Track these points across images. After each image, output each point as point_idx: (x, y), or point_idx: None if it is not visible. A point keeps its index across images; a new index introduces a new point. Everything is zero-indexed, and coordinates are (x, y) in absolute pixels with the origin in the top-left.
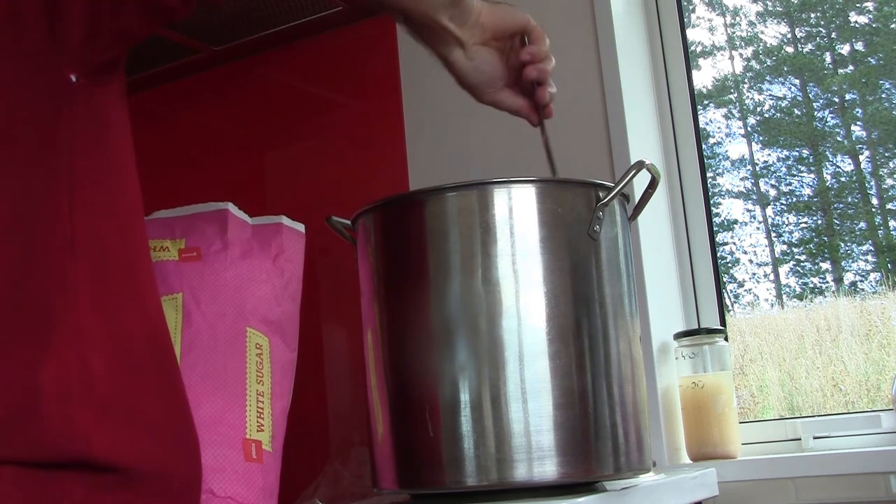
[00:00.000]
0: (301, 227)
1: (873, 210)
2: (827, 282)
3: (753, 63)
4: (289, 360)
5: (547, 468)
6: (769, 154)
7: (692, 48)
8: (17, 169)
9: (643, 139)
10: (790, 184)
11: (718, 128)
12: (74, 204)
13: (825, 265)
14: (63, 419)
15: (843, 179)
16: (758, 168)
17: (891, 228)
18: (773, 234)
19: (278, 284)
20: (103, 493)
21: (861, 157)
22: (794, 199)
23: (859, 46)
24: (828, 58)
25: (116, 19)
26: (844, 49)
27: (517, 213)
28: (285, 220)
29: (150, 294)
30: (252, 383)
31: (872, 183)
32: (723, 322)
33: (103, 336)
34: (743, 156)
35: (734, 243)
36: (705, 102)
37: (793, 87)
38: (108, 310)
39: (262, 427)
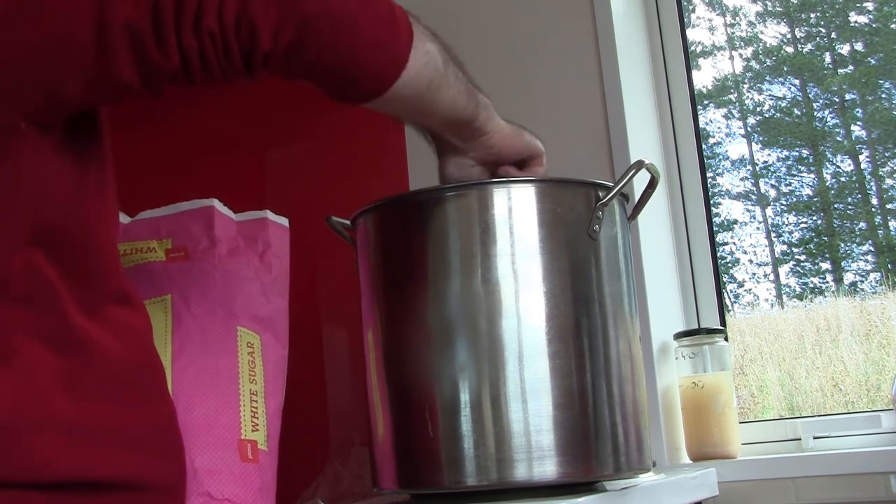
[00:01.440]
0: (285, 221)
1: (873, 210)
2: (827, 282)
3: (753, 63)
4: (281, 357)
5: (547, 468)
6: (769, 154)
7: (692, 48)
8: None
9: (643, 139)
10: (790, 184)
11: (718, 128)
12: (14, 247)
13: (825, 265)
14: (23, 449)
15: (843, 179)
16: (758, 168)
17: (891, 228)
18: (773, 234)
19: (267, 281)
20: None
21: (861, 157)
22: (794, 199)
23: (859, 46)
24: (828, 58)
25: (79, 95)
26: (844, 49)
27: (516, 213)
28: (269, 215)
29: (119, 313)
30: (245, 383)
31: (872, 183)
32: (723, 322)
33: (58, 364)
34: (743, 156)
35: (734, 243)
36: (705, 102)
37: (793, 87)
38: (64, 340)
39: (256, 427)
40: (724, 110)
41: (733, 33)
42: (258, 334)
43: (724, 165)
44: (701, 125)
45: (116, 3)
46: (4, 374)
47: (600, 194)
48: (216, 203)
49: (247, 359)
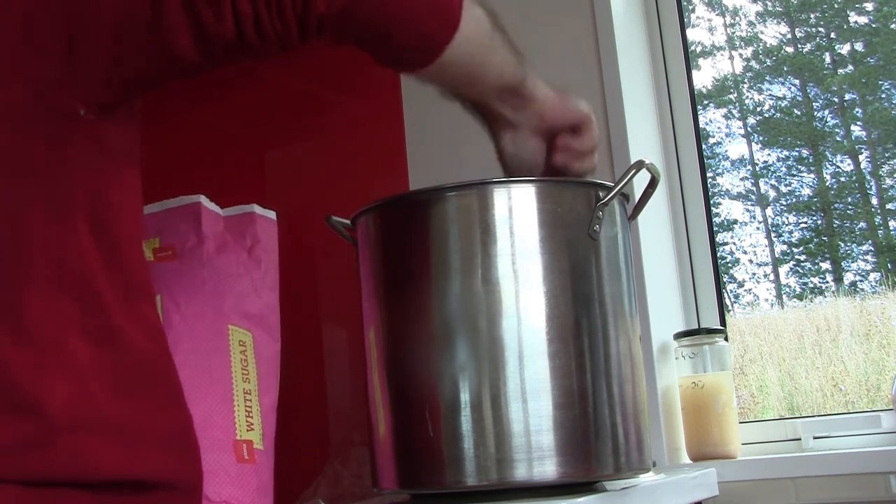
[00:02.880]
0: (272, 214)
1: (873, 210)
2: (827, 282)
3: (753, 63)
4: (273, 352)
5: (547, 468)
6: (769, 154)
7: (692, 48)
8: (12, 197)
9: (643, 139)
10: (790, 184)
11: (718, 128)
12: (67, 235)
13: (825, 265)
14: (74, 448)
15: (843, 179)
16: (758, 168)
17: (891, 228)
18: (773, 234)
19: (256, 276)
20: (111, 502)
21: (861, 157)
22: (794, 199)
23: (859, 47)
24: (828, 58)
25: (138, 69)
26: (844, 49)
27: (517, 212)
28: (257, 209)
29: (144, 315)
30: (238, 382)
31: (872, 183)
32: (723, 322)
33: (101, 362)
34: (743, 156)
35: (734, 243)
36: (705, 102)
37: (793, 87)
38: (101, 338)
39: (251, 426)
40: (724, 110)
41: (733, 33)
42: (249, 331)
43: (724, 165)
44: (701, 125)
45: None
46: (57, 370)
47: (600, 194)
48: (202, 199)
49: (239, 357)
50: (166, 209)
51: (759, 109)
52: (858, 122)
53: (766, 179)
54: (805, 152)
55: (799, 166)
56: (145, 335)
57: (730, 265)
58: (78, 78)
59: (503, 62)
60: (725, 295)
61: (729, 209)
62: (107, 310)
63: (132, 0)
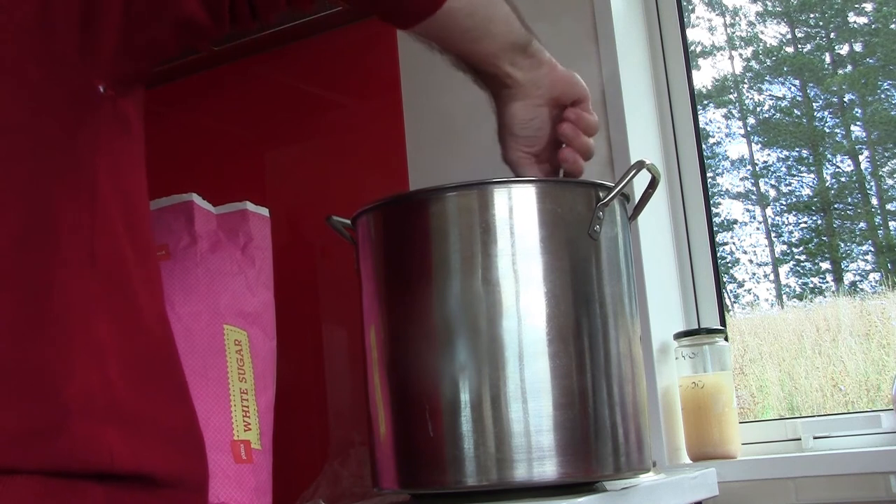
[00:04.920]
0: (265, 211)
1: (873, 210)
2: (827, 282)
3: (753, 63)
4: (269, 350)
5: (547, 468)
6: (769, 154)
7: (692, 48)
8: (39, 178)
9: (643, 139)
10: (790, 184)
11: (718, 128)
12: (95, 216)
13: (825, 265)
14: (88, 436)
15: (842, 179)
16: (758, 168)
17: (891, 228)
18: (773, 234)
19: (251, 274)
20: (123, 497)
21: (861, 158)
22: (794, 200)
23: (858, 47)
24: (827, 58)
25: (150, 34)
26: (844, 49)
27: (517, 213)
28: (249, 206)
29: (158, 302)
30: (234, 381)
31: (872, 183)
32: (723, 322)
33: (121, 349)
34: (743, 156)
35: (734, 243)
36: (705, 102)
37: (792, 88)
38: (125, 322)
39: (248, 426)
40: (724, 110)
41: (733, 33)
42: (245, 330)
43: (723, 165)
44: (701, 125)
45: None
46: (80, 354)
47: (601, 194)
48: (195, 197)
49: (235, 357)
50: (159, 208)
51: (758, 109)
52: (858, 123)
53: (766, 179)
54: (805, 152)
55: (799, 166)
56: (159, 323)
57: (730, 265)
58: (94, 52)
59: (509, 16)
60: (725, 295)
61: (729, 209)
62: (131, 293)
63: None
